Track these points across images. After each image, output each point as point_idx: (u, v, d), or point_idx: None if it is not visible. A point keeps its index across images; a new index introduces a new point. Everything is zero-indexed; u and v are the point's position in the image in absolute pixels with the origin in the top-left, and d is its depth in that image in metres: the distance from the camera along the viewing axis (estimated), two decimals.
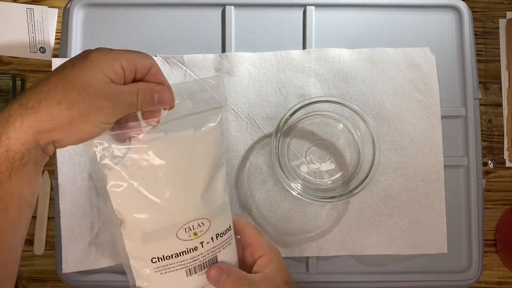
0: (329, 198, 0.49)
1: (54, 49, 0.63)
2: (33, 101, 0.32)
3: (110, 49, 0.34)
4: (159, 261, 0.38)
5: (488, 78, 0.63)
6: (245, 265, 0.44)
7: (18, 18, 0.63)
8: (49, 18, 0.63)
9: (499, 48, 0.63)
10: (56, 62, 0.53)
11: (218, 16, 0.56)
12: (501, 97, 0.62)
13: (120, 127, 0.37)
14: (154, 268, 0.39)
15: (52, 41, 0.63)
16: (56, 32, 0.64)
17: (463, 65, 0.56)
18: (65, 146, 0.34)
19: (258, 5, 0.56)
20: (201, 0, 0.56)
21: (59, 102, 0.31)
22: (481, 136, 0.58)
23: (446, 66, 0.56)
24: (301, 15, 0.56)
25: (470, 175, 0.54)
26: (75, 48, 0.55)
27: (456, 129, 0.55)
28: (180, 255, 0.39)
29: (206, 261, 0.40)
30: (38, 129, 0.32)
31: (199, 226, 0.39)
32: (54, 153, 0.53)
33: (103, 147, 0.37)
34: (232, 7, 0.56)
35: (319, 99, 0.49)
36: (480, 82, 0.60)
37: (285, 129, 0.50)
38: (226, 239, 0.41)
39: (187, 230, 0.38)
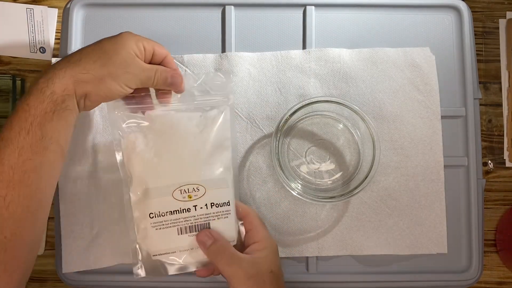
0: (329, 198, 0.49)
1: (54, 49, 0.63)
2: (75, 58, 0.40)
3: (135, 34, 0.43)
4: (155, 217, 0.44)
5: (488, 78, 0.63)
6: (243, 248, 0.45)
7: (18, 18, 0.63)
8: (49, 18, 0.63)
9: (499, 48, 0.63)
10: None
11: (218, 16, 0.56)
12: (501, 97, 0.62)
13: (136, 102, 0.45)
14: (150, 223, 0.44)
15: (52, 41, 0.63)
16: (56, 32, 0.64)
17: (463, 65, 0.56)
18: (92, 104, 0.41)
19: (258, 5, 0.56)
20: (201, 0, 0.56)
21: (95, 61, 0.40)
22: (481, 136, 0.58)
23: (446, 66, 0.56)
24: (301, 15, 0.56)
25: (470, 175, 0.54)
26: (75, 48, 0.55)
27: (456, 129, 0.55)
28: (174, 213, 0.44)
29: (198, 225, 0.45)
30: (76, 79, 0.39)
31: (194, 191, 0.44)
32: None
33: (122, 115, 0.45)
34: (232, 7, 0.56)
35: (319, 99, 0.49)
36: (480, 82, 0.60)
37: (285, 129, 0.50)
38: (222, 211, 0.45)
39: (182, 192, 0.44)
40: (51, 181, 0.40)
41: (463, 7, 0.56)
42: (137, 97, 0.45)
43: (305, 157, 0.54)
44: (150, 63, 0.44)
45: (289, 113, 0.49)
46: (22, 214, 0.37)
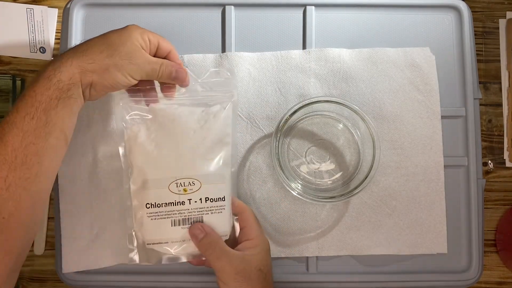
0: (329, 198, 0.49)
1: (54, 49, 0.63)
2: (82, 48, 0.41)
3: (140, 27, 0.44)
4: (151, 207, 0.45)
5: (488, 78, 0.63)
6: (236, 244, 0.47)
7: (18, 18, 0.63)
8: (49, 18, 0.63)
9: (499, 48, 0.63)
10: None
11: (218, 16, 0.56)
12: (501, 97, 0.62)
13: (141, 94, 0.47)
14: (146, 213, 0.46)
15: (52, 41, 0.63)
16: (56, 32, 0.64)
17: (463, 65, 0.56)
18: (98, 94, 0.42)
19: (258, 5, 0.56)
20: (201, 0, 0.56)
21: (101, 51, 0.41)
22: (481, 136, 0.58)
23: (446, 66, 0.56)
24: (301, 15, 0.56)
25: (470, 175, 0.54)
26: None
27: (456, 129, 0.55)
28: (169, 205, 0.45)
29: (191, 218, 0.46)
30: (82, 69, 0.40)
31: (189, 184, 0.45)
32: None
33: (127, 106, 0.47)
34: (232, 7, 0.56)
35: (319, 99, 0.49)
36: (480, 82, 0.60)
37: (285, 129, 0.50)
38: (217, 206, 0.46)
39: (178, 185, 0.45)
40: (53, 166, 0.41)
41: (463, 7, 0.56)
42: (142, 89, 0.46)
43: (305, 157, 0.54)
44: (154, 56, 0.45)
45: (289, 113, 0.49)
46: (22, 196, 0.38)
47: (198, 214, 0.46)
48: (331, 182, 0.53)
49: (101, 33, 0.42)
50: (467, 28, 0.56)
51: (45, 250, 0.60)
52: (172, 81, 0.46)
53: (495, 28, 0.63)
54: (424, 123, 0.54)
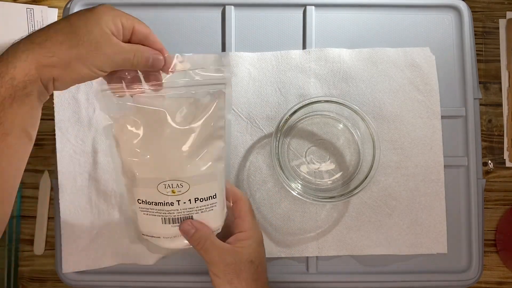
0: (329, 198, 0.49)
1: None
2: (40, 39, 0.35)
3: (114, 8, 0.37)
4: (142, 203, 0.44)
5: (488, 78, 0.63)
6: (228, 234, 0.46)
7: (18, 18, 0.63)
8: (49, 18, 0.63)
9: (499, 48, 0.63)
10: None
11: (218, 16, 0.56)
12: (501, 97, 0.62)
13: (123, 85, 0.41)
14: (139, 207, 0.44)
15: None
16: None
17: (463, 65, 0.56)
18: (64, 86, 0.37)
19: (258, 5, 0.56)
20: (201, 0, 0.56)
21: (62, 42, 0.35)
22: (481, 136, 0.58)
23: (446, 66, 0.56)
24: (301, 15, 0.56)
25: (470, 175, 0.54)
26: None
27: (456, 129, 0.55)
28: (158, 205, 0.43)
29: (180, 217, 0.44)
30: (40, 63, 0.35)
31: (177, 186, 0.43)
32: (55, 153, 0.53)
33: (111, 100, 0.41)
34: (232, 7, 0.56)
35: (319, 99, 0.49)
36: (480, 82, 0.60)
37: (285, 129, 0.50)
38: (207, 205, 0.44)
39: (166, 186, 0.43)
40: (15, 165, 0.37)
41: (463, 7, 0.56)
42: (125, 79, 0.41)
43: (305, 157, 0.54)
44: (130, 41, 0.39)
45: (289, 113, 0.49)
46: None
47: (188, 214, 0.44)
48: (331, 182, 0.53)
49: None
50: (467, 28, 0.56)
51: (45, 250, 0.60)
52: (149, 69, 0.40)
53: (495, 28, 0.63)
54: (424, 123, 0.54)
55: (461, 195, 0.55)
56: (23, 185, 0.60)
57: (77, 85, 0.39)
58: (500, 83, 0.62)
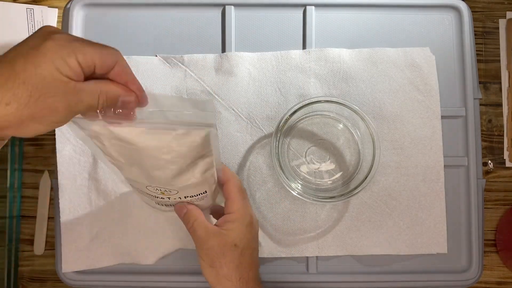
0: (329, 198, 0.49)
1: None
2: None
3: (69, 39, 0.31)
4: (136, 190, 0.45)
5: (488, 78, 0.63)
6: (218, 214, 0.47)
7: (18, 18, 0.63)
8: (49, 18, 0.63)
9: (499, 48, 0.63)
10: None
11: (218, 16, 0.56)
12: (501, 97, 0.62)
13: (99, 115, 0.34)
14: (133, 189, 0.45)
15: None
16: None
17: (463, 65, 0.56)
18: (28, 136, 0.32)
19: (258, 5, 0.56)
20: (201, 0, 0.56)
21: (8, 102, 0.29)
22: (481, 136, 0.58)
23: (446, 66, 0.56)
24: (301, 15, 0.56)
25: (470, 175, 0.54)
26: None
27: (456, 129, 0.55)
28: (149, 196, 0.44)
29: (172, 204, 0.45)
30: None
31: (166, 191, 0.42)
32: (55, 153, 0.53)
33: (77, 128, 0.36)
34: (232, 7, 0.56)
35: (319, 99, 0.49)
36: (480, 82, 0.60)
37: (285, 129, 0.50)
38: (197, 198, 0.44)
39: (155, 189, 0.42)
40: None
41: (463, 7, 0.56)
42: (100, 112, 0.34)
43: (305, 157, 0.54)
44: (93, 77, 0.32)
45: (289, 113, 0.49)
46: None
47: (180, 202, 0.45)
48: (331, 182, 0.53)
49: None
50: (467, 28, 0.56)
51: (45, 250, 0.60)
52: (120, 109, 0.34)
53: (495, 28, 0.63)
54: (424, 123, 0.54)
55: (461, 195, 0.55)
56: (23, 185, 0.60)
57: None
58: (500, 83, 0.62)
